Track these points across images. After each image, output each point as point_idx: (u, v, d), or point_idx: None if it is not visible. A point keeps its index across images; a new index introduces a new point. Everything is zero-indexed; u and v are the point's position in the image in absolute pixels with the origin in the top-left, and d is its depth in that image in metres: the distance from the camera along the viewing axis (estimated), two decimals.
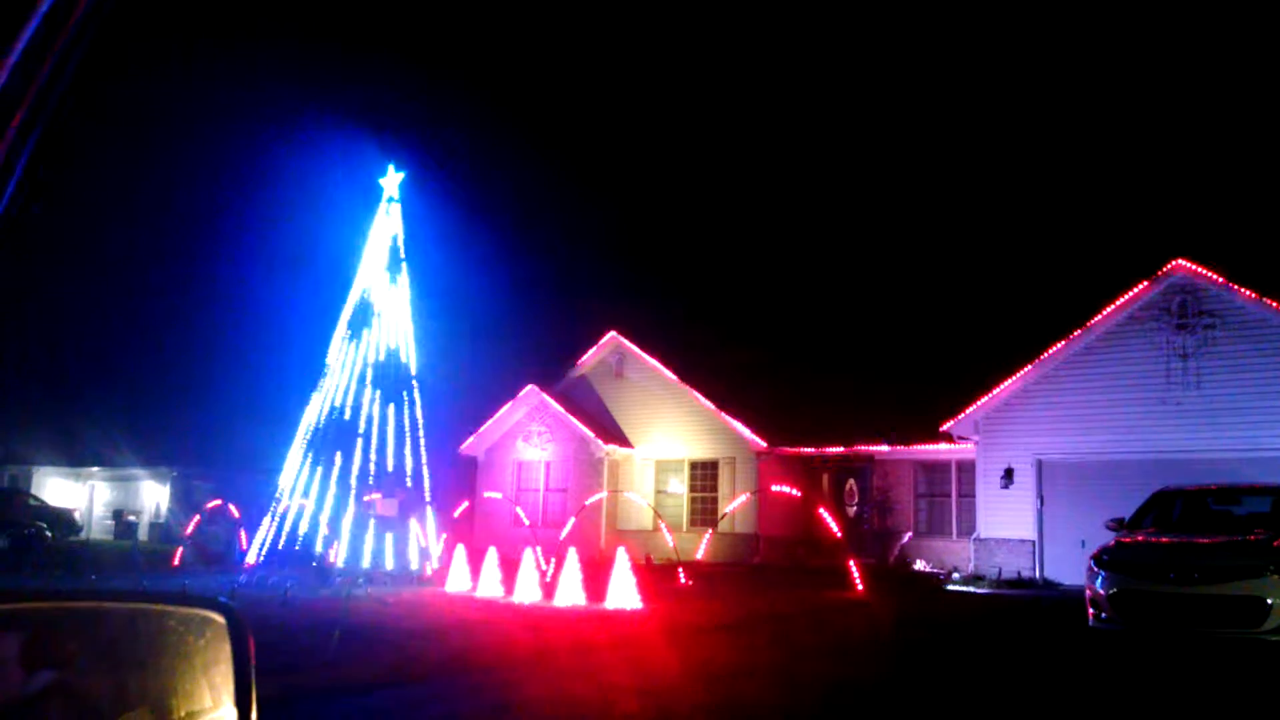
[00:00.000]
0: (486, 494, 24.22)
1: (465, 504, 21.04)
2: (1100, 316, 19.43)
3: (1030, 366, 20.06)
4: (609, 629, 11.20)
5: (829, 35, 66.36)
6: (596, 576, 14.04)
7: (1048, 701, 7.69)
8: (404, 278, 20.13)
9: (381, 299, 19.65)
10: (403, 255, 20.24)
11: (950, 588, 18.50)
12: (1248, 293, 18.04)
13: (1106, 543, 10.65)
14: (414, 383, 19.78)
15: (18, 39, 1.22)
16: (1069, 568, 18.30)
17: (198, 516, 21.04)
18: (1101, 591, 9.98)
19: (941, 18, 62.01)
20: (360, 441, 18.49)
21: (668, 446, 25.83)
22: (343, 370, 19.13)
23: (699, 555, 19.67)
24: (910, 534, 22.61)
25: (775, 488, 18.22)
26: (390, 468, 18.72)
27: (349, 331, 19.44)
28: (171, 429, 33.41)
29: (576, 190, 66.28)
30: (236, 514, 19.72)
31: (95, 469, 33.91)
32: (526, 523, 20.41)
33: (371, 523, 17.98)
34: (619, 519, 25.64)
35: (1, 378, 34.56)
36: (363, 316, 19.49)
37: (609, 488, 24.88)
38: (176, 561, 19.28)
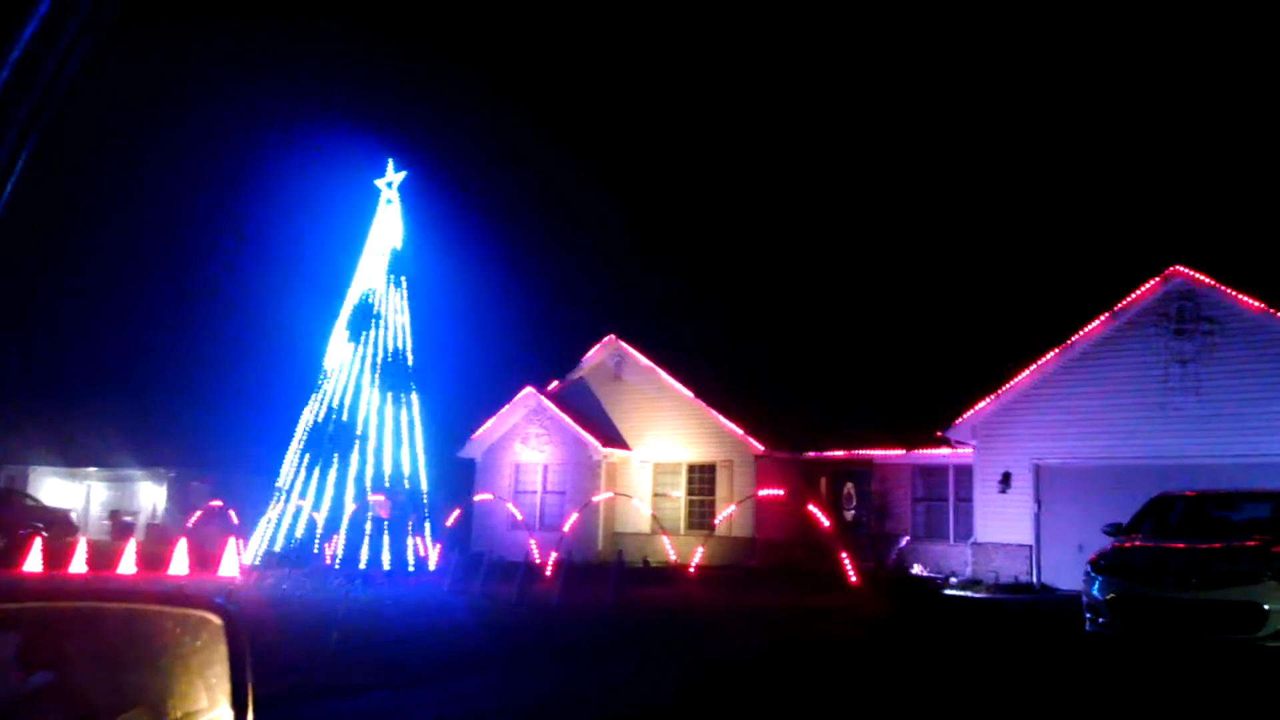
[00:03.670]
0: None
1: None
2: (1099, 321, 19.43)
3: (1028, 371, 20.06)
4: (610, 630, 11.20)
5: (830, 37, 66.50)
6: (593, 579, 14.03)
7: (1044, 706, 7.69)
8: (403, 278, 20.14)
9: (383, 300, 19.65)
10: (399, 247, 20.23)
11: (948, 592, 18.48)
12: (1247, 299, 18.04)
13: (1104, 548, 10.64)
14: (412, 385, 19.78)
15: (16, 40, 1.22)
16: (1066, 573, 18.27)
17: (199, 513, 20.98)
18: (1099, 596, 9.97)
19: (942, 21, 62.16)
20: (360, 444, 18.46)
21: (666, 449, 25.82)
22: (341, 371, 19.10)
23: (695, 559, 19.66)
24: (908, 538, 22.61)
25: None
26: (388, 470, 18.70)
27: (348, 332, 19.41)
28: (169, 429, 33.24)
29: (576, 193, 66.39)
30: (235, 517, 19.69)
31: (92, 469, 33.81)
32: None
33: (369, 523, 17.96)
34: (617, 521, 25.61)
35: None
36: (364, 317, 19.46)
37: (607, 490, 24.86)
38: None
